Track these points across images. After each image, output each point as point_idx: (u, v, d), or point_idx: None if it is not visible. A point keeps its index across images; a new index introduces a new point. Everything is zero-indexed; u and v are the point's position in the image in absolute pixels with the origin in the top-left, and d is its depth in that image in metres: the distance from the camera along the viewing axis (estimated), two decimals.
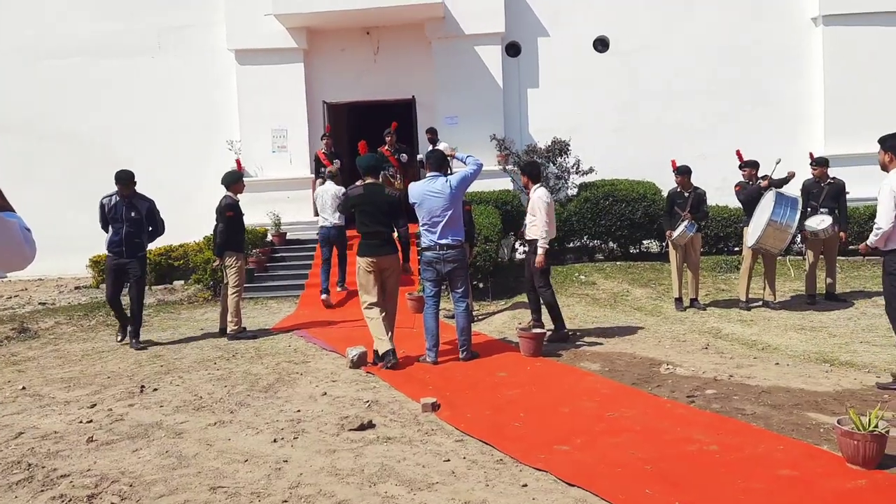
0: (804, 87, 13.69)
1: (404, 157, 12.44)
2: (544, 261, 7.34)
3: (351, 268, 9.86)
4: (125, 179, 8.05)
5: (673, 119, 13.76)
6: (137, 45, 14.36)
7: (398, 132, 12.92)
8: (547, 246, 7.29)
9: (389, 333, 6.61)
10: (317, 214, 10.99)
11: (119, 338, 8.36)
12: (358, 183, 6.87)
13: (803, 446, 4.38)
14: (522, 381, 6.08)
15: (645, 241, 12.59)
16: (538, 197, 7.39)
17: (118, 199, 8.04)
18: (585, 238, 12.32)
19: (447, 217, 6.61)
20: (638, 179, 12.74)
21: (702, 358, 6.67)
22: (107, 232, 8.13)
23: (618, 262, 11.95)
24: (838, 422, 4.13)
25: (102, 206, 8.07)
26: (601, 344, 7.35)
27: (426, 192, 6.66)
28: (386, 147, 12.34)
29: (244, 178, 9.17)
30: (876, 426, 3.99)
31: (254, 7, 13.45)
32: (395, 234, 6.81)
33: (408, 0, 12.86)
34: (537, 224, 7.37)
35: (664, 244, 12.47)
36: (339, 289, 10.63)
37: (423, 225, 6.72)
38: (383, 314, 6.64)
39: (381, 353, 6.59)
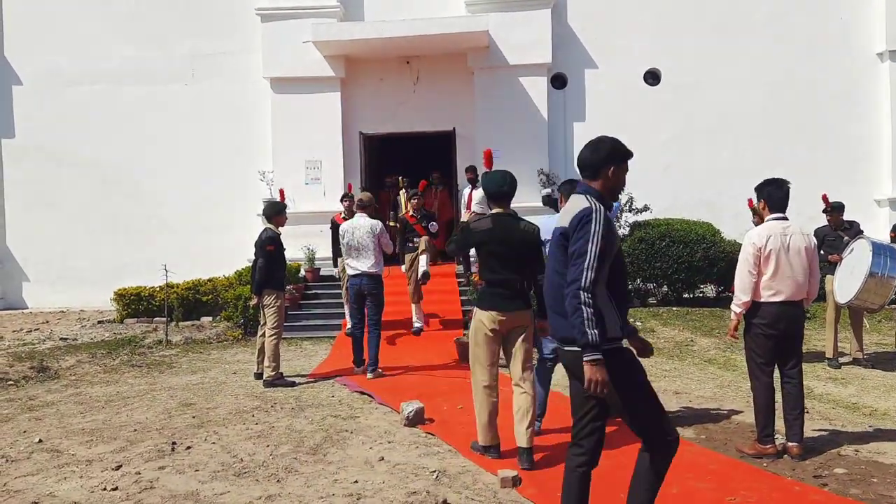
0: (867, 125, 12.98)
1: (434, 225, 9.64)
2: (733, 332, 5.38)
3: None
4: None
5: (726, 156, 13.10)
6: (170, 71, 13.94)
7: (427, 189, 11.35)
8: (737, 309, 5.13)
9: (527, 420, 4.93)
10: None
11: None
12: (477, 210, 5.26)
13: None
14: (610, 449, 5.28)
15: (701, 286, 11.78)
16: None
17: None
18: (639, 281, 11.53)
19: None
20: (691, 219, 12.01)
21: (808, 425, 5.84)
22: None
23: (673, 308, 11.14)
24: None
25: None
26: (686, 405, 6.54)
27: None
28: (410, 212, 9.93)
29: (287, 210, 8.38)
30: None
31: (291, 35, 13.01)
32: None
33: (452, 28, 12.37)
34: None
35: (721, 289, 11.69)
36: (367, 374, 7.78)
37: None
38: (495, 399, 5.09)
39: (481, 444, 5.14)
